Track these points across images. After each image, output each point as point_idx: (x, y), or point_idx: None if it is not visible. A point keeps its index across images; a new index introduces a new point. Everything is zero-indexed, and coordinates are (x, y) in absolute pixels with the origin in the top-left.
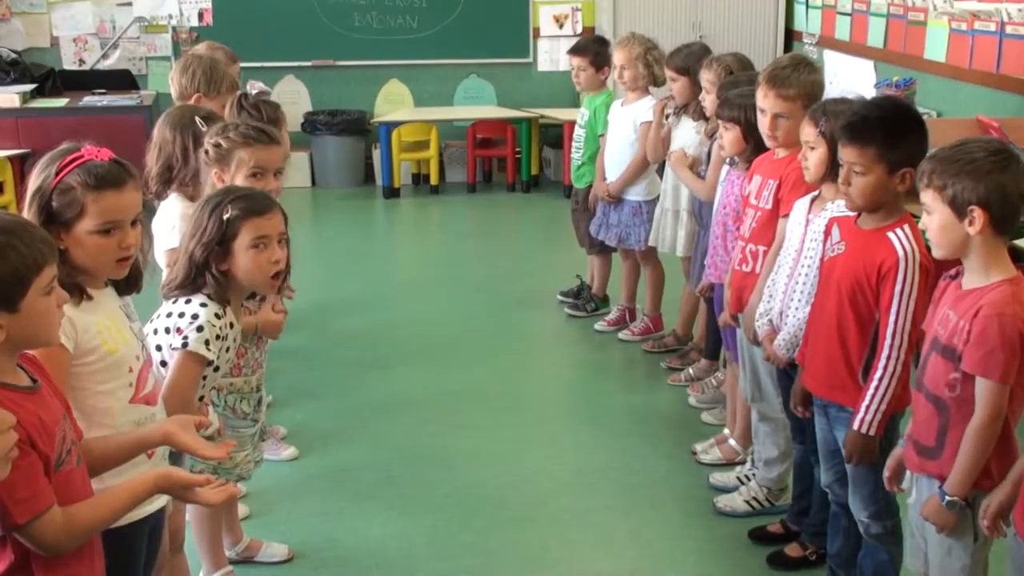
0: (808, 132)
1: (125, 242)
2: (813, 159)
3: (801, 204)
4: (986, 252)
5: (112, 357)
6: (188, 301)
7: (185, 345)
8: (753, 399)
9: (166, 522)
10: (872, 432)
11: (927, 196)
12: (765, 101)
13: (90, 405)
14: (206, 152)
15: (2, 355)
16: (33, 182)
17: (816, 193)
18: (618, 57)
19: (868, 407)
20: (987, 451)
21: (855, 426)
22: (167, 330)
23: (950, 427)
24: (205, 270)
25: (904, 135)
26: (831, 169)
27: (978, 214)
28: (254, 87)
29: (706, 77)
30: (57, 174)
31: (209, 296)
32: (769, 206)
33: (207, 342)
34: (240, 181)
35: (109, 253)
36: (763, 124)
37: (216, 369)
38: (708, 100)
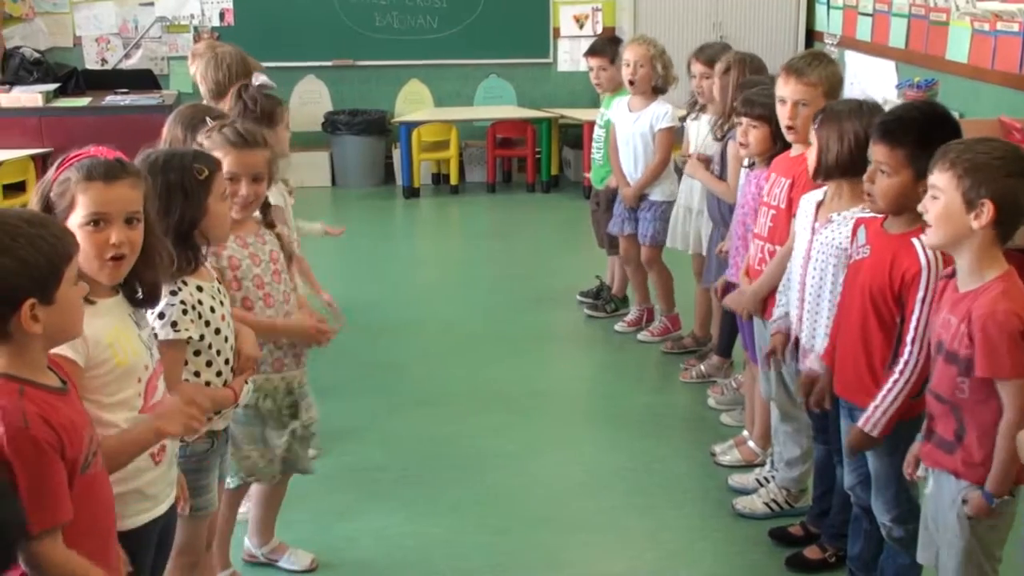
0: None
1: (113, 238)
2: (810, 156)
3: (807, 204)
4: (981, 252)
5: (121, 368)
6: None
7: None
8: (775, 398)
9: (178, 521)
10: (876, 433)
11: (941, 178)
12: (786, 88)
13: (101, 417)
14: None
15: (37, 352)
16: (42, 180)
17: (821, 196)
18: (635, 54)
19: (877, 407)
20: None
21: (860, 423)
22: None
23: (966, 428)
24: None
25: (937, 143)
26: (823, 169)
27: (988, 209)
28: (258, 79)
29: (717, 68)
30: (58, 169)
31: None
32: (783, 205)
33: (175, 323)
34: None
35: (97, 249)
36: (783, 114)
37: (201, 338)
38: (716, 88)
